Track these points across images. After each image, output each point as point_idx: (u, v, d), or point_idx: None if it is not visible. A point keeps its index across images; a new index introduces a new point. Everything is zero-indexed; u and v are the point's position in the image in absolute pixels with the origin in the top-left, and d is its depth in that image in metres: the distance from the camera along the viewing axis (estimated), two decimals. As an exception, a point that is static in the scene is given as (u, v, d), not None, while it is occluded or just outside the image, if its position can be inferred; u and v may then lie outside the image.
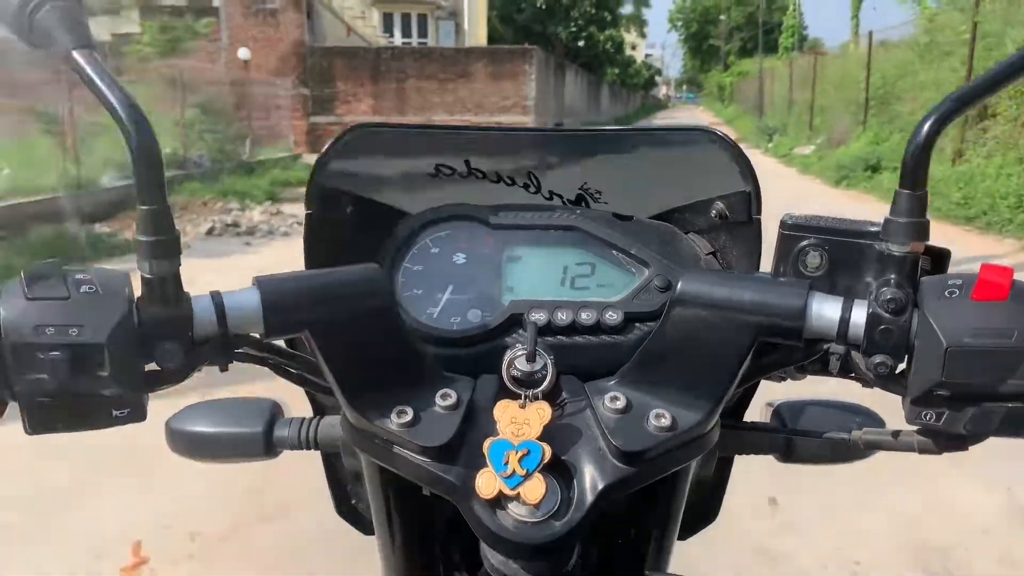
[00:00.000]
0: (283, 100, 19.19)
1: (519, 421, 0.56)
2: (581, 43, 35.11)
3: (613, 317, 0.67)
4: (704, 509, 0.80)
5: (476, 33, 27.16)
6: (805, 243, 0.58)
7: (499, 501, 0.54)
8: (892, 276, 0.53)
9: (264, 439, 0.71)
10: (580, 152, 0.73)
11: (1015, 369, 0.49)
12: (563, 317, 0.67)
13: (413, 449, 0.55)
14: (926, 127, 0.51)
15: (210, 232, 9.06)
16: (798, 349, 0.57)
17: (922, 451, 0.58)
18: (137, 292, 0.52)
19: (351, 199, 0.72)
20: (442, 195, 0.73)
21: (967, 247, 7.99)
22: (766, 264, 0.63)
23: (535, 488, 0.53)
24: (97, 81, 0.49)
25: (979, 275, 0.50)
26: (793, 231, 0.58)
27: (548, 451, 0.54)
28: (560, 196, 0.74)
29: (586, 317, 0.67)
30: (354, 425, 0.58)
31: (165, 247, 0.51)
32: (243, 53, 17.77)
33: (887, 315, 0.52)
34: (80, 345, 0.49)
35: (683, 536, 0.72)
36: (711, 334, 0.56)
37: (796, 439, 0.69)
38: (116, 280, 0.51)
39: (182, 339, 0.52)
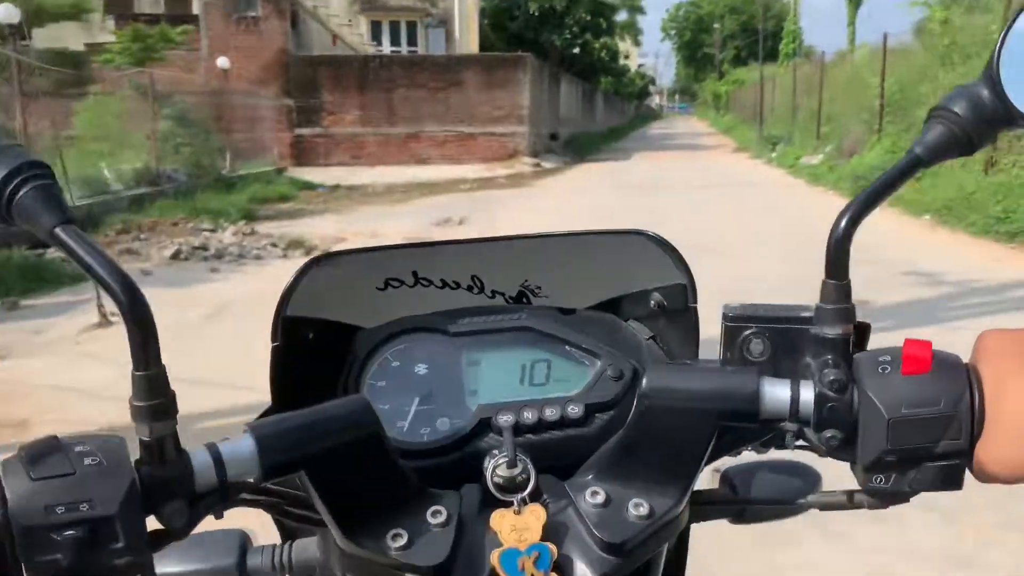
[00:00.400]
0: (266, 111, 18.35)
1: (519, 527, 0.58)
2: (576, 51, 33.95)
3: (575, 411, 0.69)
4: None
5: (467, 41, 26.19)
6: (748, 332, 0.61)
7: None
8: (829, 357, 0.58)
9: (238, 571, 0.69)
10: (520, 252, 0.77)
11: (946, 431, 0.55)
12: (529, 416, 0.69)
13: (412, 571, 0.57)
14: (843, 223, 0.57)
15: (176, 256, 8.18)
16: (755, 429, 0.61)
17: (871, 507, 0.63)
18: (134, 455, 0.52)
19: (311, 325, 0.73)
20: (392, 305, 0.75)
21: (1018, 268, 7.16)
22: (705, 348, 0.69)
23: None
24: (83, 254, 0.50)
25: (903, 351, 0.56)
26: (736, 321, 0.62)
27: (555, 550, 0.57)
28: (502, 294, 0.77)
29: (550, 413, 0.69)
30: (349, 553, 0.59)
31: (162, 410, 0.51)
32: (222, 62, 16.89)
33: (832, 394, 0.57)
34: (93, 520, 0.48)
35: None
36: (677, 423, 0.59)
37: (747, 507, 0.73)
38: (115, 447, 0.51)
39: (185, 495, 0.52)
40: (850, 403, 0.57)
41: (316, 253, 0.83)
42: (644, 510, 0.59)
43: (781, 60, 34.24)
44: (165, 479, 0.52)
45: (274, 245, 8.64)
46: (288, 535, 0.73)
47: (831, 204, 11.32)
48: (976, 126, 0.57)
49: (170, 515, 0.52)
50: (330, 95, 19.13)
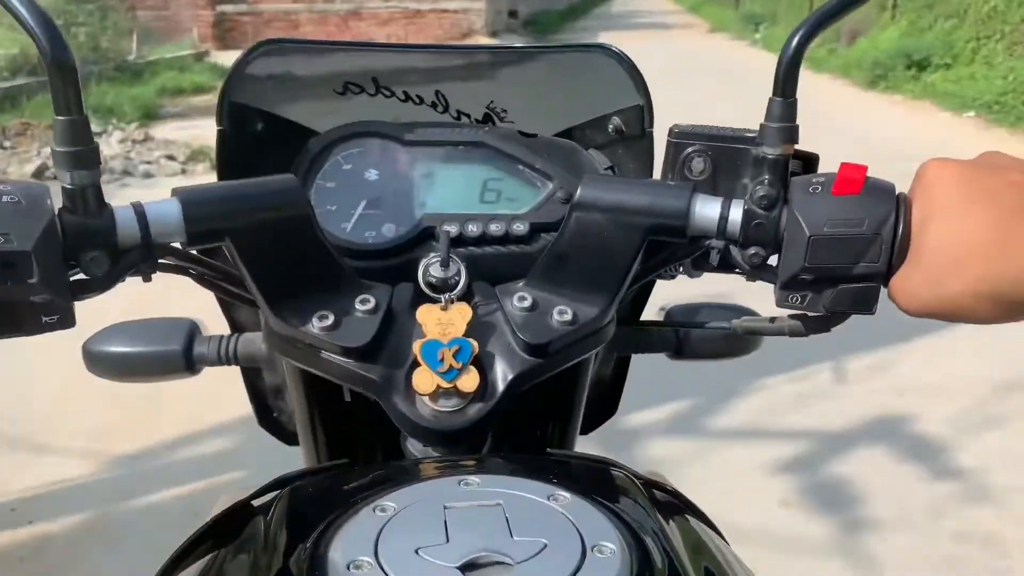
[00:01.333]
0: (183, -16, 15.86)
1: (444, 322, 0.60)
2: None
3: (520, 228, 0.71)
4: (604, 406, 0.90)
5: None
6: (690, 149, 0.62)
7: (418, 396, 0.59)
8: (766, 177, 0.58)
9: (184, 356, 0.74)
10: (486, 69, 0.77)
11: (865, 253, 0.54)
12: (474, 229, 0.70)
13: (335, 351, 0.58)
14: (795, 40, 0.56)
15: (39, 174, 6.26)
16: (683, 246, 0.62)
17: (792, 334, 0.63)
18: (57, 204, 0.53)
19: (262, 116, 0.73)
20: (351, 113, 0.74)
21: None
22: (658, 174, 0.67)
23: (471, 379, 0.58)
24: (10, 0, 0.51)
25: (838, 172, 0.55)
26: (680, 139, 0.62)
27: (476, 345, 0.59)
28: (468, 115, 0.76)
29: (495, 228, 0.71)
30: (276, 332, 0.60)
31: (84, 157, 0.52)
32: (123, -77, 14.25)
33: (760, 211, 0.57)
34: (8, 253, 0.50)
35: (585, 431, 0.80)
36: (606, 235, 0.60)
37: (685, 337, 0.80)
38: (36, 191, 0.52)
39: (106, 248, 0.54)
40: (777, 221, 0.57)
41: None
42: (568, 316, 0.61)
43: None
44: (86, 228, 0.53)
45: (171, 157, 6.71)
46: (237, 329, 0.78)
47: (848, 96, 9.59)
48: None
49: (88, 264, 0.53)
50: (256, -35, 16.57)
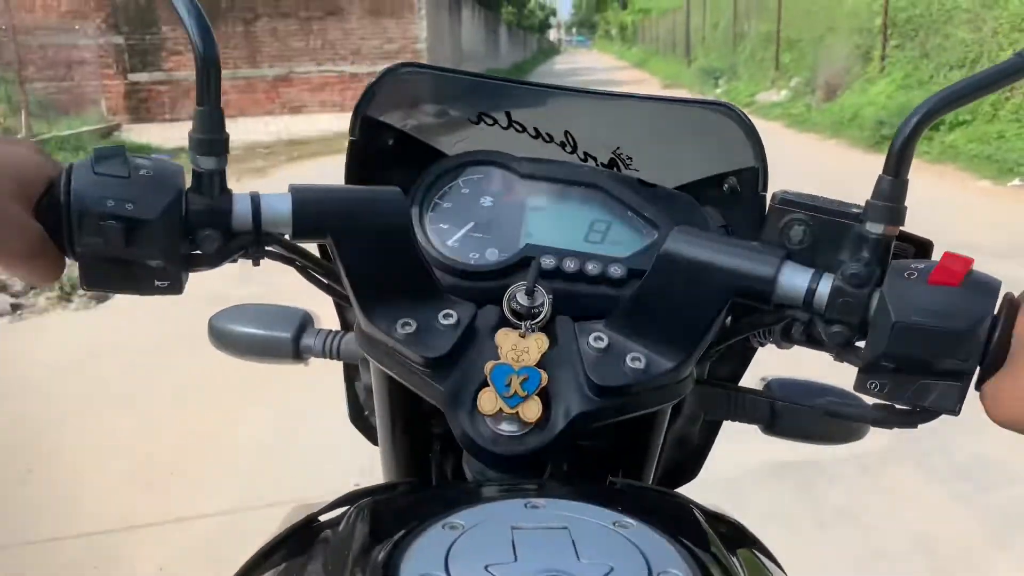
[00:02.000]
0: (88, 52, 14.14)
1: (519, 349, 0.61)
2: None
3: (616, 271, 0.71)
4: (686, 467, 0.86)
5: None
6: (791, 217, 0.60)
7: (481, 417, 0.60)
8: (864, 255, 0.57)
9: (293, 345, 0.77)
10: (615, 115, 0.78)
11: (954, 350, 0.52)
12: (571, 265, 0.71)
13: (412, 358, 0.61)
14: (914, 121, 0.54)
15: None
16: (768, 313, 0.61)
17: (875, 424, 0.62)
18: (188, 184, 0.58)
19: (392, 132, 0.76)
20: (481, 141, 0.77)
21: None
22: None
23: (533, 409, 0.59)
24: None
25: (940, 261, 0.54)
26: (783, 205, 0.61)
27: (545, 377, 0.60)
28: (594, 158, 0.78)
29: (592, 267, 0.71)
30: (364, 331, 0.63)
31: (215, 145, 0.58)
32: (13, -14, 12.58)
33: (849, 288, 0.56)
34: (134, 219, 0.55)
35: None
36: (690, 289, 0.60)
37: (778, 411, 0.77)
38: (171, 169, 0.58)
39: (220, 228, 0.58)
40: (867, 302, 0.56)
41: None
42: (641, 364, 0.60)
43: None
44: (207, 207, 0.58)
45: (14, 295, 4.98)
46: (346, 327, 0.81)
47: (853, 160, 8.21)
48: None
49: (204, 240, 0.58)
50: (172, 29, 14.89)
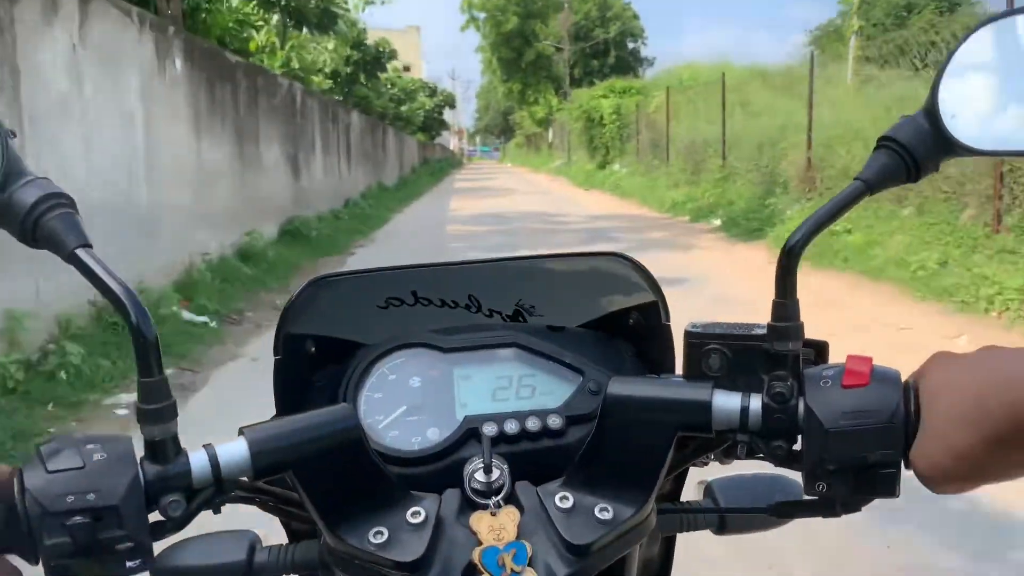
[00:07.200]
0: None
1: (496, 527, 0.62)
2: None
3: (556, 422, 0.73)
4: None
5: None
6: (708, 347, 0.64)
7: None
8: (779, 372, 0.61)
9: (246, 568, 0.74)
10: (513, 273, 0.83)
11: (881, 441, 0.58)
12: (512, 427, 0.72)
13: (389, 566, 0.61)
14: (791, 245, 0.61)
15: None
16: (711, 439, 0.65)
17: (824, 515, 0.66)
18: (139, 453, 0.58)
19: (312, 340, 0.79)
20: (393, 323, 0.80)
21: None
22: (679, 362, 0.69)
23: None
24: (99, 274, 0.57)
25: (846, 366, 0.59)
26: (696, 338, 0.65)
27: (531, 548, 0.61)
28: (499, 313, 0.82)
29: (532, 424, 0.73)
30: (334, 549, 0.64)
31: (164, 413, 0.58)
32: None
33: (776, 405, 0.61)
34: (99, 508, 0.55)
35: None
36: (638, 432, 0.63)
37: (727, 517, 0.78)
38: (122, 446, 0.58)
39: (183, 491, 0.59)
40: (794, 414, 0.60)
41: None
42: (608, 515, 0.63)
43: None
44: (165, 475, 0.58)
45: None
46: (295, 537, 0.79)
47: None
48: (919, 156, 0.61)
49: (168, 507, 0.58)
50: None
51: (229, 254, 8.73)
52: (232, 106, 9.40)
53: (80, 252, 0.57)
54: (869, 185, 0.62)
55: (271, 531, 0.82)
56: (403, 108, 31.50)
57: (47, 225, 0.57)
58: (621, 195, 19.36)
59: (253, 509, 0.70)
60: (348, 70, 20.98)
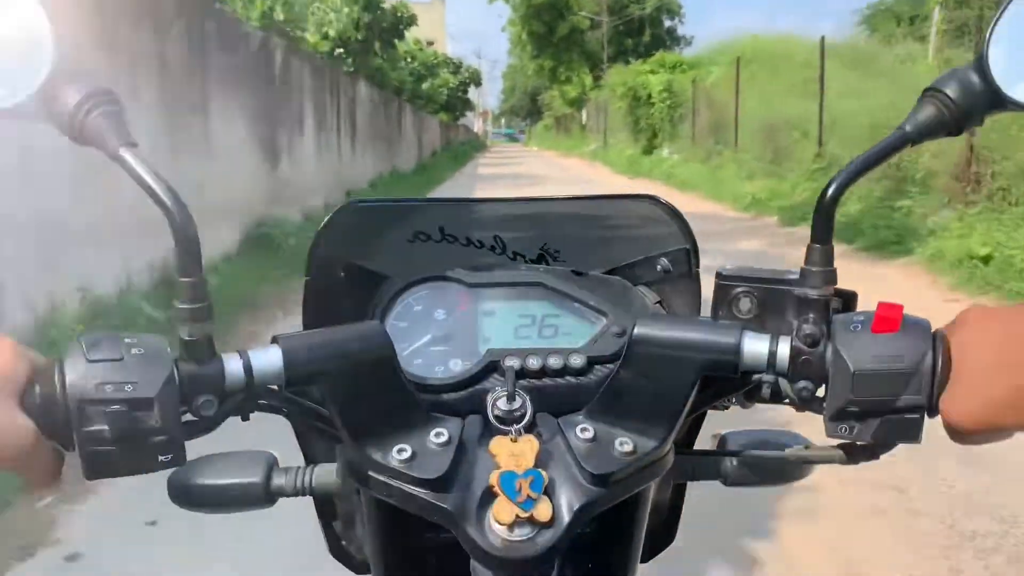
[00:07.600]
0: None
1: (516, 454, 0.63)
2: None
3: (577, 361, 0.74)
4: (662, 533, 0.90)
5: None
6: (738, 290, 0.66)
7: (489, 527, 0.61)
8: (810, 315, 0.62)
9: (263, 488, 0.75)
10: (540, 216, 0.84)
11: (907, 386, 0.58)
12: (534, 363, 0.74)
13: (412, 482, 0.62)
14: (830, 190, 0.61)
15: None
16: (735, 380, 0.66)
17: (841, 463, 0.69)
18: (174, 353, 0.59)
19: (342, 265, 0.80)
20: (420, 258, 0.81)
21: None
22: (705, 311, 0.71)
23: (546, 509, 0.60)
24: (142, 174, 0.58)
25: (876, 312, 0.60)
26: (727, 280, 0.66)
27: (547, 476, 0.62)
28: (523, 256, 0.83)
29: (554, 362, 0.74)
30: (358, 464, 0.65)
31: (201, 312, 0.59)
32: None
33: (806, 347, 0.61)
34: (135, 399, 0.56)
35: (644, 559, 0.80)
36: (663, 371, 0.64)
37: (739, 465, 0.79)
38: (158, 343, 0.59)
39: (215, 392, 0.60)
40: (822, 357, 0.61)
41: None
42: (628, 447, 0.64)
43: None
44: (200, 375, 0.59)
45: None
46: (311, 461, 0.79)
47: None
48: (965, 108, 0.60)
49: (200, 407, 0.59)
50: None
51: (139, 285, 5.47)
52: (157, 59, 6.10)
53: (124, 151, 0.58)
54: (911, 135, 0.61)
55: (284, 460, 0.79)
56: (424, 85, 27.62)
57: (93, 123, 0.58)
58: (679, 187, 15.42)
59: (270, 436, 0.75)
60: (360, 35, 15.33)
